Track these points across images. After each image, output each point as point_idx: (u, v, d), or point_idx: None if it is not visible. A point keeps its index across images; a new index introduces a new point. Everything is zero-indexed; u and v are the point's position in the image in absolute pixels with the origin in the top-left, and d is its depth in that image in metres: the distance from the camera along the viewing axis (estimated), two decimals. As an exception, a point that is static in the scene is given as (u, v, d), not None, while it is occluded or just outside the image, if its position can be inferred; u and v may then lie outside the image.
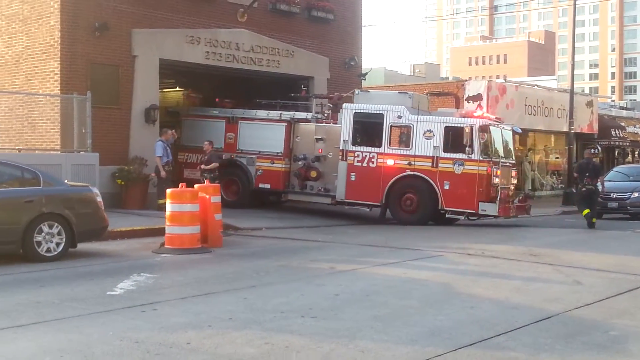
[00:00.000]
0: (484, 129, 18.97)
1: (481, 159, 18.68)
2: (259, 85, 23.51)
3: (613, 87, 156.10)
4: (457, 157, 18.79)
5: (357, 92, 20.91)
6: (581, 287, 10.57)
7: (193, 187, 14.36)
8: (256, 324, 7.77)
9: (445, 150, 18.93)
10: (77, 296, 9.13)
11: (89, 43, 19.27)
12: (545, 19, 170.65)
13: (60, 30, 18.90)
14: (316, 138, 20.76)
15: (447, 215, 19.49)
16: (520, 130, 21.18)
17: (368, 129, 20.08)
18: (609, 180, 25.03)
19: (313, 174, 20.47)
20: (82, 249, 12.78)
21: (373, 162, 19.54)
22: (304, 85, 22.53)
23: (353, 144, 19.82)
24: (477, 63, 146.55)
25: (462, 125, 18.85)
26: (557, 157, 36.79)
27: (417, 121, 19.29)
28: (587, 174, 20.37)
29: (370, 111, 19.91)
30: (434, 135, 19.03)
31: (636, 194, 24.54)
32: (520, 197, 20.90)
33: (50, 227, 11.96)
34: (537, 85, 36.46)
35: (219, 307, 8.58)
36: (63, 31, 18.90)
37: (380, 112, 19.66)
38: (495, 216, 19.29)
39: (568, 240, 17.24)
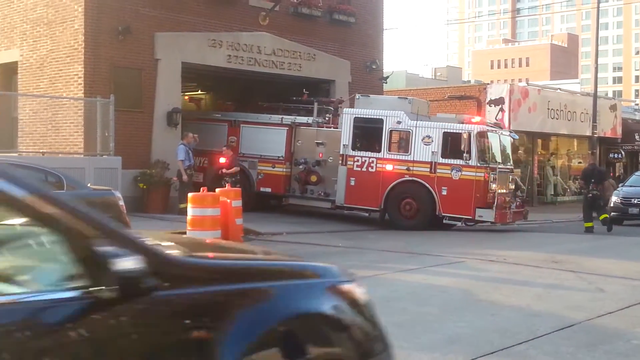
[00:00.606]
0: (482, 135, 19.04)
1: (478, 165, 18.75)
2: (280, 89, 23.55)
3: (637, 90, 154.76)
4: (455, 163, 18.88)
5: (357, 97, 21.07)
6: (604, 295, 10.49)
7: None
8: (277, 329, 7.76)
9: (443, 156, 19.03)
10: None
11: (112, 46, 19.41)
12: (568, 21, 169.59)
13: (84, 33, 19.05)
14: (317, 142, 20.89)
15: (444, 221, 19.51)
16: (517, 137, 21.24)
17: (368, 134, 20.21)
18: (630, 186, 24.99)
19: (313, 178, 20.64)
20: (105, 252, 12.80)
21: (372, 167, 19.70)
22: (305, 89, 22.58)
23: (353, 149, 19.97)
24: (499, 66, 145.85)
25: (459, 131, 18.93)
26: (580, 162, 36.49)
27: (415, 127, 19.37)
28: (593, 180, 20.93)
29: (369, 116, 20.05)
30: (432, 140, 19.13)
31: None
32: (518, 203, 20.94)
33: (73, 230, 12.01)
34: (559, 89, 36.30)
35: (240, 312, 8.57)
36: (87, 35, 19.05)
37: (380, 117, 19.80)
38: (491, 222, 19.32)
39: (590, 247, 17.11)
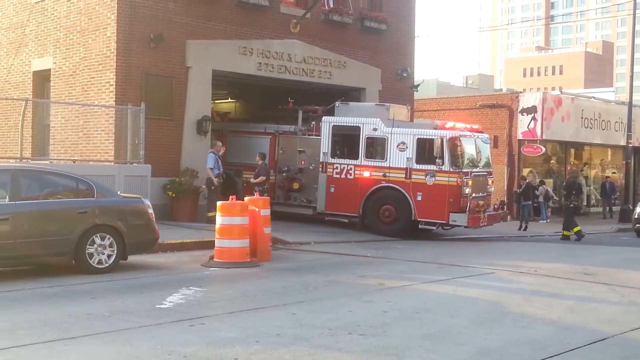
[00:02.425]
0: (454, 141, 19.18)
1: (451, 170, 18.93)
2: (310, 97, 23.53)
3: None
4: (429, 168, 19.12)
5: (337, 105, 21.34)
6: (637, 308, 10.33)
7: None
8: (304, 340, 7.73)
9: (417, 162, 19.29)
10: (127, 309, 9.21)
11: (144, 54, 19.52)
12: (603, 29, 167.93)
13: (116, 41, 19.16)
14: (299, 150, 21.38)
15: (420, 226, 19.62)
16: (489, 142, 21.21)
17: (346, 142, 20.56)
18: None
19: (295, 185, 21.06)
20: (133, 261, 12.91)
21: (351, 174, 20.10)
22: (290, 97, 22.85)
23: (332, 156, 20.41)
24: (532, 74, 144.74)
25: (432, 137, 19.18)
26: (614, 172, 36.02)
27: (391, 133, 19.69)
28: (574, 192, 21.87)
29: (347, 124, 20.46)
30: (407, 147, 19.42)
31: None
32: (496, 206, 21.13)
33: (103, 238, 12.09)
34: (594, 98, 35.84)
35: (267, 322, 8.56)
36: (119, 42, 19.17)
37: (357, 124, 20.21)
38: (465, 226, 19.54)
39: (623, 259, 16.85)
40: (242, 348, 7.34)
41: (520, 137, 30.69)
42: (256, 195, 15.81)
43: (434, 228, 19.86)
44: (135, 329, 8.11)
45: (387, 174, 19.61)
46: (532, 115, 30.21)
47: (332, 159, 20.40)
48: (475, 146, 20.07)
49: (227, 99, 27.27)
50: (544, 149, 30.50)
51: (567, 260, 15.67)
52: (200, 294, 10.51)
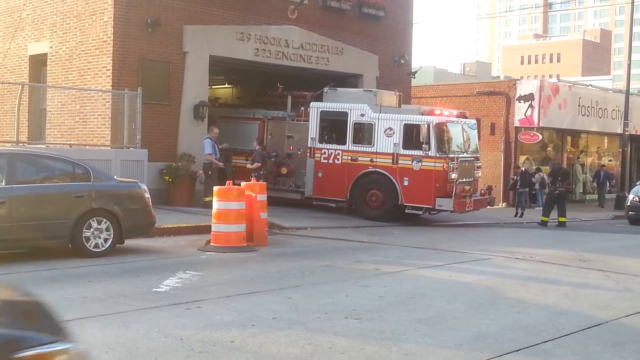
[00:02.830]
0: (441, 126, 19.29)
1: (438, 155, 19.05)
2: (307, 83, 23.50)
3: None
4: (415, 153, 19.24)
5: (325, 90, 21.40)
6: (632, 294, 10.37)
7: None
8: (300, 324, 7.75)
9: (404, 147, 19.41)
10: (124, 292, 9.23)
11: (141, 39, 19.46)
12: (601, 16, 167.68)
13: (113, 26, 19.10)
14: (287, 135, 21.49)
15: (406, 211, 19.74)
16: (475, 127, 21.45)
17: (334, 127, 20.67)
18: None
19: (284, 170, 21.13)
20: (129, 245, 12.92)
21: (338, 159, 20.23)
22: (288, 83, 22.82)
23: (320, 142, 20.55)
24: (529, 62, 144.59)
25: (419, 123, 19.27)
26: (611, 160, 36.06)
27: (378, 119, 19.79)
28: (560, 178, 22.30)
29: (335, 109, 20.58)
30: (394, 132, 19.54)
31: None
32: (482, 191, 21.31)
33: (99, 222, 12.10)
34: (591, 85, 35.81)
35: (263, 306, 8.58)
36: (116, 27, 19.11)
37: (344, 110, 20.33)
38: (451, 211, 19.70)
39: (619, 246, 16.91)
40: (238, 331, 7.36)
41: (517, 124, 30.68)
42: (253, 181, 15.82)
43: (420, 213, 19.98)
44: (131, 312, 8.13)
45: (374, 159, 19.75)
46: (529, 102, 30.20)
47: (320, 144, 20.54)
48: (462, 132, 20.20)
49: (224, 84, 27.23)
50: (540, 136, 30.51)
51: (562, 247, 15.71)
52: (197, 277, 10.53)
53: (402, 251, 14.28)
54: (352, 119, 20.15)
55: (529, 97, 30.30)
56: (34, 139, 20.34)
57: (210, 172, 18.88)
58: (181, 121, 20.29)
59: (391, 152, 19.50)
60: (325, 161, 20.41)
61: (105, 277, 10.39)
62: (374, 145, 19.78)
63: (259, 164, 20.00)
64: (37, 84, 21.16)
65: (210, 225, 13.69)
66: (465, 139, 20.28)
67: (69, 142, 19.10)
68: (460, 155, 19.65)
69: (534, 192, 28.48)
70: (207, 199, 17.10)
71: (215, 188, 13.90)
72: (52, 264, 11.23)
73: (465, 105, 31.77)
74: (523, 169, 28.13)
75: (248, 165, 20.18)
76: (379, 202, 19.76)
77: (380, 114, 19.81)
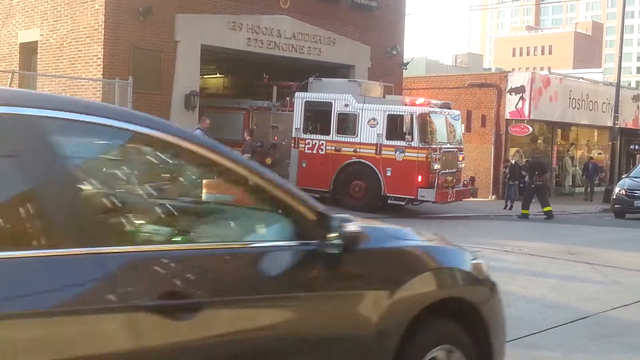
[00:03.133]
0: (423, 117, 19.38)
1: (420, 146, 19.14)
2: (299, 73, 23.49)
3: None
4: (398, 144, 19.33)
5: (310, 81, 21.49)
6: (619, 287, 10.44)
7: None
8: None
9: (387, 138, 19.49)
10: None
11: (132, 27, 19.39)
12: (593, 9, 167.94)
13: (104, 14, 19.02)
14: (272, 126, 21.64)
15: (389, 201, 19.84)
16: (459, 118, 21.64)
17: (318, 117, 20.76)
18: (636, 177, 24.58)
19: (268, 160, 21.09)
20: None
21: (322, 150, 20.34)
22: (279, 73, 22.88)
23: (304, 132, 20.66)
24: (521, 54, 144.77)
25: (402, 113, 19.34)
26: (600, 153, 36.18)
27: (362, 109, 19.88)
28: (537, 172, 22.54)
29: (319, 100, 20.65)
30: (377, 123, 19.63)
31: None
32: (465, 182, 21.42)
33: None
34: (582, 78, 35.90)
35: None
36: (107, 15, 19.03)
37: (329, 100, 20.39)
38: (433, 202, 19.83)
39: (607, 239, 16.99)
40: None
41: (508, 116, 30.74)
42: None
43: (403, 203, 20.05)
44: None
45: (358, 150, 19.83)
46: (520, 95, 30.26)
47: (304, 135, 20.63)
48: (445, 122, 20.27)
49: (216, 74, 27.18)
50: (531, 128, 30.58)
51: (551, 240, 15.79)
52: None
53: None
54: (336, 109, 20.23)
55: (520, 90, 30.35)
56: (24, 127, 20.24)
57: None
58: (172, 111, 20.25)
59: (374, 142, 19.61)
60: (310, 151, 20.50)
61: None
62: (357, 135, 19.87)
63: (249, 155, 20.01)
64: (28, 72, 21.05)
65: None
66: (448, 130, 20.38)
67: (59, 131, 19.02)
68: (443, 146, 19.76)
69: (522, 185, 28.59)
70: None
71: (204, 181, 13.83)
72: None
73: (457, 97, 31.78)
74: (513, 161, 28.21)
75: None
76: (362, 193, 19.85)
77: (364, 105, 19.89)
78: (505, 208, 25.19)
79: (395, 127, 19.41)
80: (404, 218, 19.64)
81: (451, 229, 17.65)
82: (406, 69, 27.61)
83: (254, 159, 19.92)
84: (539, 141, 32.62)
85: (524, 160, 29.82)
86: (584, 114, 33.31)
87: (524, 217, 22.13)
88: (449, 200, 20.04)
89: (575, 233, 17.90)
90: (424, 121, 19.33)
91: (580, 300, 9.26)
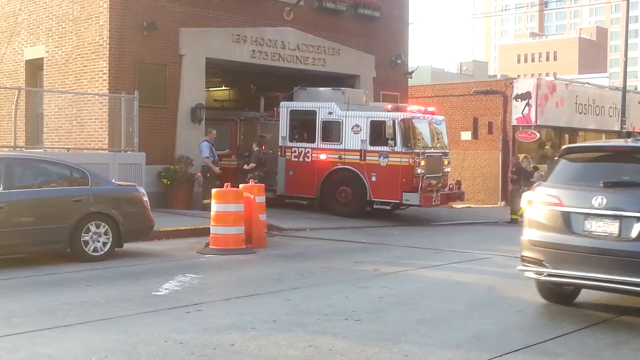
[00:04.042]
0: (406, 122, 19.54)
1: (403, 150, 19.31)
2: (304, 85, 23.50)
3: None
4: (382, 149, 19.49)
5: (295, 90, 21.73)
6: (632, 292, 10.32)
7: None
8: (300, 326, 7.74)
9: (371, 144, 19.70)
10: (123, 296, 9.21)
11: (137, 42, 19.44)
12: (597, 14, 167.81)
13: (109, 29, 19.08)
14: (260, 135, 21.87)
15: (375, 206, 19.99)
16: (442, 123, 21.51)
17: (303, 126, 21.02)
18: None
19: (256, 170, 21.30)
20: (128, 248, 12.90)
21: (308, 157, 20.59)
22: (285, 84, 22.94)
23: (290, 140, 20.89)
24: (526, 60, 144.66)
25: (384, 119, 19.51)
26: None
27: (345, 116, 20.12)
28: (522, 177, 22.49)
29: (304, 108, 20.94)
30: (361, 129, 19.85)
31: None
32: (451, 186, 21.38)
33: (98, 226, 12.08)
34: (588, 83, 35.83)
35: (263, 308, 8.57)
36: (112, 31, 19.09)
37: (313, 108, 20.70)
38: (417, 205, 19.92)
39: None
40: (239, 334, 7.35)
41: (514, 123, 30.70)
42: (251, 182, 15.82)
43: (388, 208, 20.12)
44: (130, 316, 8.11)
45: (343, 156, 20.05)
46: (527, 101, 30.21)
47: (291, 143, 20.86)
48: (428, 128, 20.41)
49: (221, 86, 27.22)
50: (538, 134, 30.53)
51: (561, 245, 15.67)
52: (196, 280, 10.51)
53: (401, 251, 14.27)
54: (321, 117, 20.50)
55: (526, 96, 30.32)
56: (31, 143, 20.30)
57: (208, 175, 18.88)
58: (178, 124, 20.28)
59: (359, 148, 19.83)
60: (296, 159, 20.70)
61: (104, 281, 10.37)
62: (342, 142, 20.09)
63: (254, 165, 20.02)
64: (34, 89, 21.13)
65: (209, 228, 13.68)
66: (432, 135, 20.54)
67: (66, 147, 19.06)
68: (427, 151, 19.89)
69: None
70: (206, 201, 17.06)
71: (214, 190, 13.88)
72: (51, 268, 11.23)
73: (463, 104, 31.80)
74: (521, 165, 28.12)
75: (245, 167, 20.34)
76: (348, 199, 20.05)
77: (348, 112, 20.15)
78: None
79: (378, 133, 19.61)
80: (416, 226, 19.60)
81: (462, 236, 17.64)
82: (411, 77, 27.61)
83: (260, 169, 19.87)
84: (546, 147, 32.57)
85: (532, 165, 29.73)
86: (591, 118, 33.25)
87: (514, 222, 21.89)
88: (433, 203, 20.15)
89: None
90: (407, 126, 19.53)
91: (593, 306, 9.19)
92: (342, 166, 20.03)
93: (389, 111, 19.90)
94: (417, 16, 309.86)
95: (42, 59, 20.99)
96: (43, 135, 20.57)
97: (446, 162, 21.15)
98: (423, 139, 20.12)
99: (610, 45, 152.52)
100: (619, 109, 32.09)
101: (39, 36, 21.21)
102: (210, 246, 13.41)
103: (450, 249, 14.62)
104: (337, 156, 20.10)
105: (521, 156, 31.31)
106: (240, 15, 21.82)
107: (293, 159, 20.71)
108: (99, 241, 12.09)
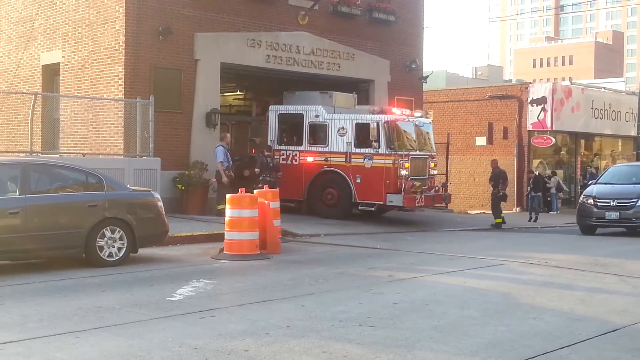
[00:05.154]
0: (390, 125, 19.76)
1: (387, 152, 19.56)
2: (318, 89, 23.50)
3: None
4: (367, 152, 19.79)
5: (285, 94, 22.14)
6: (649, 299, 10.26)
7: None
8: (314, 332, 7.73)
9: (356, 146, 20.03)
10: (138, 301, 9.23)
11: (152, 47, 19.52)
12: (613, 18, 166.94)
13: (124, 34, 19.17)
14: (250, 139, 22.33)
15: (359, 208, 20.23)
16: (423, 125, 21.50)
17: (291, 129, 21.36)
18: (605, 183, 20.85)
19: (246, 173, 21.61)
20: (143, 254, 12.94)
21: (296, 160, 20.94)
22: (299, 89, 23.08)
23: (279, 144, 21.22)
24: (541, 65, 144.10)
25: (368, 122, 19.77)
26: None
27: (331, 119, 20.44)
28: (501, 181, 22.58)
29: (291, 112, 21.38)
30: (346, 132, 20.17)
31: None
32: (437, 188, 21.56)
33: (113, 231, 12.13)
34: (604, 88, 35.69)
35: (277, 314, 8.56)
36: (127, 36, 19.17)
37: (300, 112, 21.10)
38: (400, 207, 20.21)
39: (635, 250, 16.74)
40: (253, 340, 7.34)
41: (530, 128, 30.62)
42: (265, 188, 15.83)
43: (373, 209, 20.26)
44: (145, 321, 8.13)
45: (329, 159, 20.39)
46: (542, 106, 30.12)
47: (279, 146, 21.16)
48: (414, 130, 20.60)
49: (236, 91, 27.27)
50: (554, 139, 30.42)
51: (578, 252, 15.60)
52: (210, 286, 10.53)
53: (415, 257, 14.23)
54: (308, 120, 20.85)
55: (541, 101, 30.22)
56: (47, 148, 20.44)
57: (222, 180, 18.89)
58: (193, 129, 20.33)
59: (344, 151, 20.13)
60: (285, 162, 20.99)
61: (119, 286, 10.40)
62: (328, 145, 20.43)
63: (258, 170, 19.99)
64: (50, 94, 21.26)
65: (224, 233, 13.69)
66: (417, 137, 20.71)
67: (82, 152, 19.17)
68: (411, 153, 20.03)
69: (549, 198, 28.37)
70: (220, 207, 17.08)
71: (228, 196, 13.89)
72: (66, 273, 11.27)
73: (478, 109, 31.72)
74: (536, 173, 28.02)
75: (245, 172, 20.98)
76: (334, 200, 20.36)
77: (334, 115, 20.43)
78: (529, 220, 24.99)
79: (363, 135, 19.87)
80: (430, 232, 19.54)
81: (477, 242, 17.57)
82: (426, 82, 27.57)
83: (266, 174, 19.66)
84: (562, 152, 32.45)
85: (548, 171, 29.63)
86: (607, 123, 33.09)
87: (498, 226, 22.11)
88: (417, 204, 20.28)
89: (602, 244, 17.67)
90: (391, 128, 19.78)
91: (610, 313, 9.12)
92: (329, 168, 20.37)
93: (373, 114, 20.11)
94: (432, 20, 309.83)
95: (58, 64, 21.11)
96: (59, 141, 20.68)
97: (432, 165, 21.34)
98: (408, 141, 20.33)
99: (627, 50, 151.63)
100: (636, 113, 31.96)
101: (55, 41, 21.34)
102: (224, 252, 13.43)
103: (464, 255, 14.56)
104: (323, 158, 20.47)
105: (536, 162, 31.24)
106: (255, 20, 21.86)
107: (282, 161, 20.98)
108: (113, 246, 12.13)
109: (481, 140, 32.33)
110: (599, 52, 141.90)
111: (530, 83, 34.84)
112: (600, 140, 35.13)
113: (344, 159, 20.09)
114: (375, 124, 19.55)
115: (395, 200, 19.48)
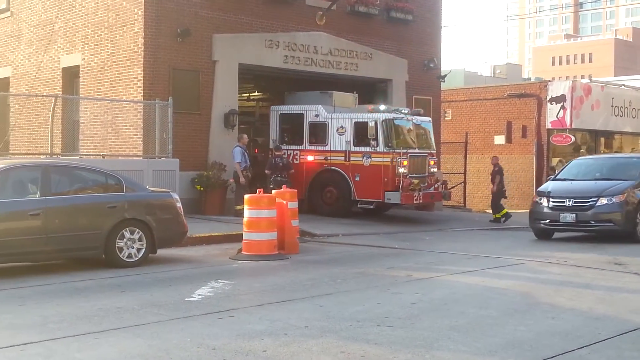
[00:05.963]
0: (388, 123, 19.89)
1: (385, 150, 19.65)
2: (336, 89, 23.52)
3: None
4: (365, 150, 19.95)
5: (286, 94, 22.39)
6: (670, 298, 10.18)
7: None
8: (332, 332, 7.74)
9: (355, 145, 20.18)
10: (157, 302, 9.29)
11: (171, 49, 19.62)
12: (633, 15, 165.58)
13: (143, 37, 19.28)
14: (253, 139, 22.55)
15: (359, 206, 20.35)
16: (422, 123, 21.44)
17: (292, 128, 21.59)
18: (563, 179, 18.19)
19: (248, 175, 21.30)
20: (162, 254, 13.01)
21: (297, 159, 21.05)
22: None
23: (280, 143, 21.11)
24: (560, 63, 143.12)
25: (367, 120, 19.92)
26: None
27: (331, 118, 20.63)
28: (501, 177, 23.15)
29: (292, 112, 21.61)
30: (345, 131, 20.34)
31: (604, 200, 16.65)
32: (436, 186, 21.39)
33: (132, 232, 12.21)
34: (624, 85, 35.38)
35: (295, 314, 8.59)
36: (146, 38, 19.28)
37: (300, 112, 21.32)
38: (398, 204, 20.21)
39: (656, 248, 16.60)
40: (271, 340, 7.37)
41: (549, 126, 30.44)
42: (284, 188, 15.87)
43: (372, 207, 20.35)
44: (164, 321, 8.18)
45: (329, 158, 20.57)
46: (561, 104, 29.95)
47: (281, 146, 21.07)
48: (412, 128, 20.64)
49: (254, 92, 27.33)
50: (573, 138, 30.23)
51: (597, 251, 15.50)
52: (229, 286, 10.57)
53: (434, 257, 14.22)
54: (308, 119, 21.04)
55: (560, 99, 30.04)
56: (67, 150, 20.58)
57: (240, 181, 18.94)
58: (212, 130, 20.41)
59: (343, 149, 20.31)
60: None
61: (138, 287, 10.47)
62: (327, 144, 20.60)
63: (269, 172, 19.97)
64: (70, 96, 21.41)
65: (242, 234, 13.74)
66: (416, 135, 20.75)
67: (101, 153, 19.30)
68: (410, 151, 20.07)
69: None
70: (239, 207, 17.13)
71: (246, 196, 13.93)
72: (86, 274, 11.36)
73: (496, 107, 31.60)
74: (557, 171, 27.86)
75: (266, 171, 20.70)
76: (334, 199, 20.50)
77: (334, 114, 20.59)
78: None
79: (361, 134, 20.00)
80: (448, 231, 19.50)
81: (496, 241, 17.50)
82: (444, 81, 27.48)
83: (277, 174, 19.62)
84: (581, 150, 32.21)
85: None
86: (627, 121, 32.84)
87: (497, 221, 22.43)
88: (415, 202, 20.23)
89: (622, 243, 17.52)
90: (389, 127, 19.89)
91: (630, 312, 9.07)
92: (328, 167, 20.52)
93: (371, 112, 20.20)
94: (450, 19, 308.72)
95: (78, 66, 21.28)
96: (79, 143, 20.83)
97: (432, 162, 21.33)
98: (406, 139, 20.40)
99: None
100: (656, 111, 31.66)
101: (75, 44, 21.49)
102: (243, 252, 13.47)
103: (483, 254, 14.52)
104: (323, 157, 20.65)
105: (556, 160, 31.04)
106: (272, 21, 21.91)
107: None
108: (133, 247, 12.21)
109: (500, 139, 32.19)
110: (619, 49, 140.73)
111: (549, 81, 34.64)
112: (621, 138, 34.86)
113: (343, 158, 20.27)
114: (373, 122, 19.72)
115: (393, 197, 19.60)
